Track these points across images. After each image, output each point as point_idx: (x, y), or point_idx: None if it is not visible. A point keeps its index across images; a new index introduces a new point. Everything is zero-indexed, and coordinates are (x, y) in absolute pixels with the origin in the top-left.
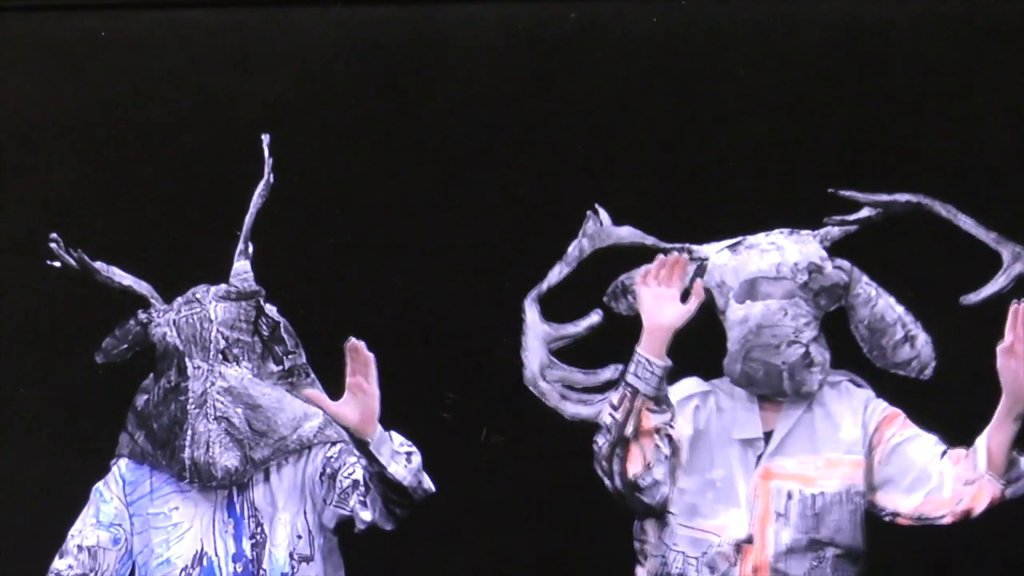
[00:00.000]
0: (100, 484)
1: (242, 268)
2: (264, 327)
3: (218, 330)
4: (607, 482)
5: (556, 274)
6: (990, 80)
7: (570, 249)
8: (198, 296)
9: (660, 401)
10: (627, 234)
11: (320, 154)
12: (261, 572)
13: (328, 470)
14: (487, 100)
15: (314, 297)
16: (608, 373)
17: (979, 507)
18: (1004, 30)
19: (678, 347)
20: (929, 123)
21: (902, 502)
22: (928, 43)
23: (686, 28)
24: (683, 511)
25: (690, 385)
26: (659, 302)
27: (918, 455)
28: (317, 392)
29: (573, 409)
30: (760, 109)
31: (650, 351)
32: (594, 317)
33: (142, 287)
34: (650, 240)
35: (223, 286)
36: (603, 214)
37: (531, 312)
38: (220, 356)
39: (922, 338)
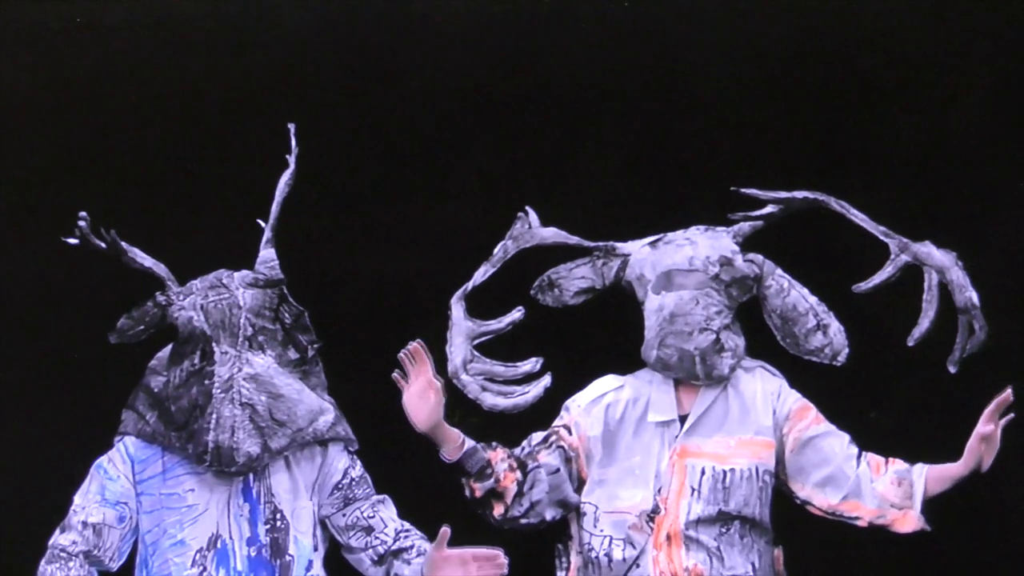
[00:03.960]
0: (104, 461)
1: (269, 256)
2: (287, 315)
3: (246, 317)
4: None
5: (481, 274)
6: (961, 63)
7: (495, 250)
8: (224, 282)
9: (479, 473)
10: (551, 235)
11: (295, 139)
12: (288, 558)
13: (347, 494)
14: (462, 84)
15: (288, 279)
16: (527, 366)
17: (901, 530)
18: (975, 11)
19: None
20: (900, 106)
21: (815, 495)
22: (898, 26)
23: (658, 12)
24: (604, 499)
25: (603, 384)
26: (415, 407)
27: (832, 454)
28: (447, 532)
29: (492, 400)
30: (730, 95)
31: (440, 446)
32: (516, 314)
33: (160, 269)
34: (573, 240)
35: (250, 273)
36: (532, 216)
37: (456, 309)
38: (247, 343)
39: (834, 326)
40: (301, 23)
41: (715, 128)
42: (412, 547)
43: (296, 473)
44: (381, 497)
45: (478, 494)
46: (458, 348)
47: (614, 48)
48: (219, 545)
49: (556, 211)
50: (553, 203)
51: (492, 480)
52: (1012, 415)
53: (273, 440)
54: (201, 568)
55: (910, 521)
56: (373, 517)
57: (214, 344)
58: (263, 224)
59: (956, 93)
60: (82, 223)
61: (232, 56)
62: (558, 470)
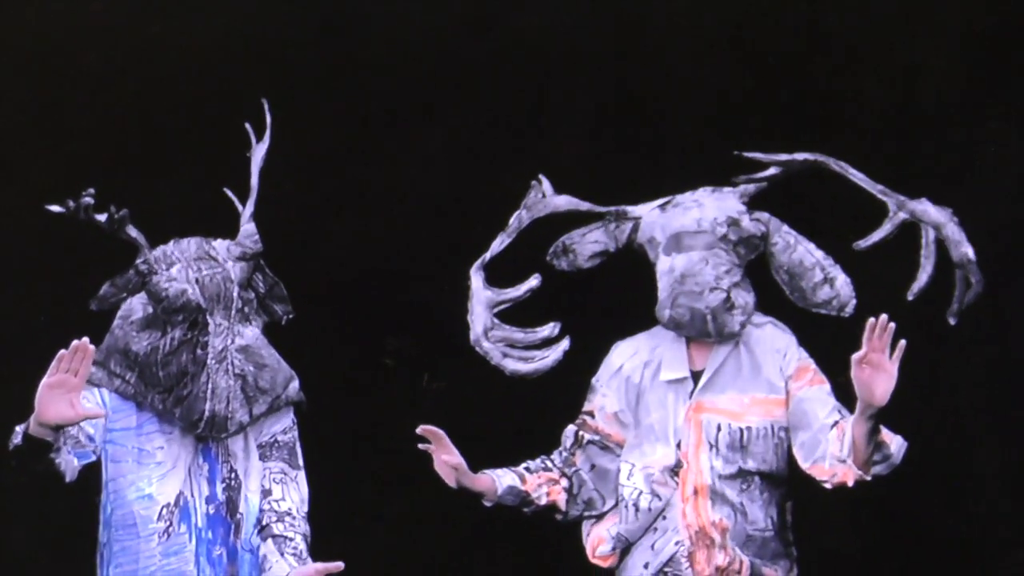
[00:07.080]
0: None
1: (252, 230)
2: (260, 284)
3: (237, 290)
4: None
5: (498, 244)
6: (929, 27)
7: (511, 220)
8: (212, 253)
9: (522, 503)
10: (564, 203)
11: (260, 99)
12: (239, 516)
13: (265, 452)
14: (429, 45)
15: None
16: (545, 331)
17: (850, 482)
18: None
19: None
20: (869, 71)
21: (796, 454)
22: None
23: None
24: (637, 457)
25: (619, 356)
26: (444, 474)
27: (815, 418)
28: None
29: (514, 366)
30: (702, 57)
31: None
32: (533, 281)
33: (141, 238)
34: (585, 206)
35: (235, 246)
36: (545, 184)
37: (476, 280)
38: (238, 315)
39: (841, 279)
40: None
41: (682, 91)
42: (292, 540)
43: (250, 435)
44: (296, 473)
45: (529, 513)
46: (478, 317)
47: (583, 6)
48: (181, 503)
49: (526, 171)
50: (521, 163)
51: (535, 505)
52: (904, 342)
53: (255, 407)
54: (167, 523)
55: (850, 471)
56: (279, 484)
57: (209, 316)
58: (230, 193)
59: (925, 58)
60: (88, 199)
61: (193, 15)
62: (594, 466)
